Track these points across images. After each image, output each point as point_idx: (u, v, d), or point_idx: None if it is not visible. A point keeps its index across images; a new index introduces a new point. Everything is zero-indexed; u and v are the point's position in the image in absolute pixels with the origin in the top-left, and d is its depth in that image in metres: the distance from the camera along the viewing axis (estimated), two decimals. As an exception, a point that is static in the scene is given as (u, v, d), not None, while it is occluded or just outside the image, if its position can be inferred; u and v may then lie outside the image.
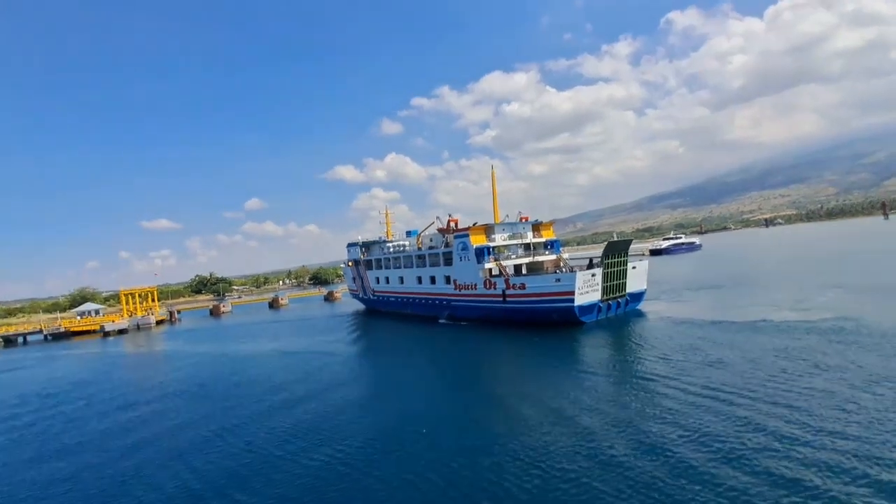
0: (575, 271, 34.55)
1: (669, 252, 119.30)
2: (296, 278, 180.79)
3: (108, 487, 15.16)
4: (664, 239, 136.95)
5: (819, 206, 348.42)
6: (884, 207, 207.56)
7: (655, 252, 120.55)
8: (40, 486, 15.94)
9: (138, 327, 70.57)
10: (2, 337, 70.47)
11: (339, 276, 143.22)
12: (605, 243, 36.71)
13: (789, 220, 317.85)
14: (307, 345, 38.97)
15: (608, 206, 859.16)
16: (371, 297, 60.95)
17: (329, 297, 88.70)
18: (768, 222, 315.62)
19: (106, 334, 66.86)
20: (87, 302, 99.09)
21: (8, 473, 17.43)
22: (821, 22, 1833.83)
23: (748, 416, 14.75)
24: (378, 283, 58.10)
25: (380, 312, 58.31)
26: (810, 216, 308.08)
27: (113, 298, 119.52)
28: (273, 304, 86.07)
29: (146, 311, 77.42)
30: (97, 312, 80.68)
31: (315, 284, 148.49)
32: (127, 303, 77.28)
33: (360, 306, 66.64)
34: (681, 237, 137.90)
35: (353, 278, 65.97)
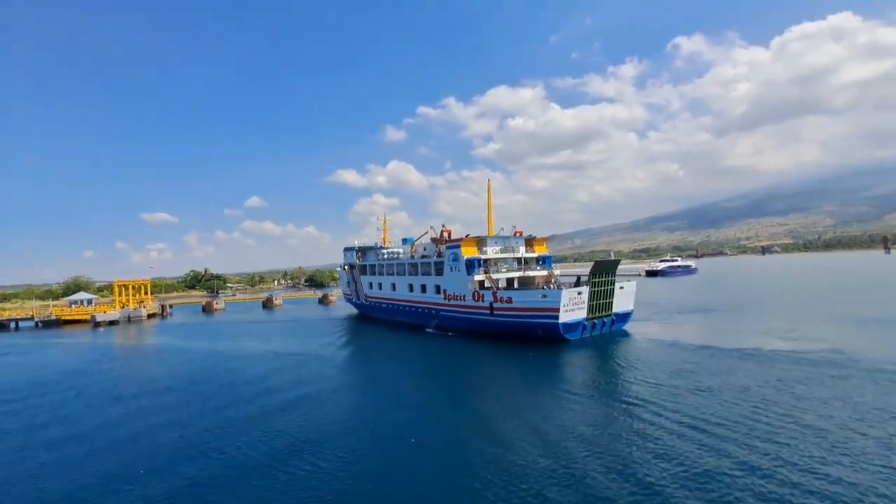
0: (562, 288, 35.08)
1: (665, 274, 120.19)
2: (292, 279, 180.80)
3: (90, 481, 15.16)
4: (661, 261, 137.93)
5: (816, 236, 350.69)
6: (885, 242, 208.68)
7: (651, 273, 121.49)
8: (22, 476, 16.10)
9: (129, 319, 70.71)
10: (-7, 322, 70.56)
11: (335, 279, 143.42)
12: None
13: (786, 248, 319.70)
14: (298, 347, 39.22)
15: (607, 224, 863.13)
16: (364, 301, 61.32)
17: (323, 300, 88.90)
18: (765, 250, 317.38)
19: (97, 325, 66.89)
20: (80, 291, 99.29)
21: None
22: (830, 54, 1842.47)
23: (724, 447, 14.59)
24: (371, 288, 58.52)
25: (371, 318, 58.65)
26: (807, 246, 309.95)
27: (106, 289, 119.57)
28: (267, 304, 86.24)
29: (138, 303, 77.53)
30: (89, 302, 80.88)
31: (310, 286, 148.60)
32: (120, 294, 77.42)
33: (353, 310, 66.96)
34: (677, 260, 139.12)
35: (348, 282, 66.42)
